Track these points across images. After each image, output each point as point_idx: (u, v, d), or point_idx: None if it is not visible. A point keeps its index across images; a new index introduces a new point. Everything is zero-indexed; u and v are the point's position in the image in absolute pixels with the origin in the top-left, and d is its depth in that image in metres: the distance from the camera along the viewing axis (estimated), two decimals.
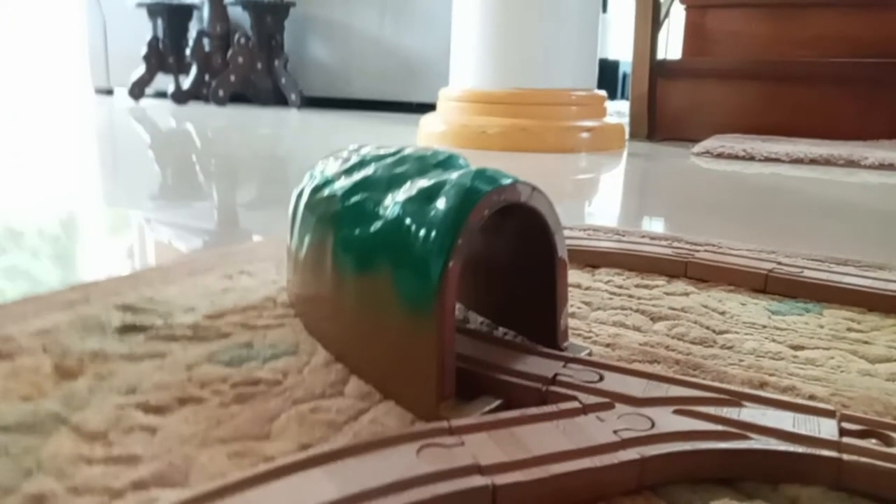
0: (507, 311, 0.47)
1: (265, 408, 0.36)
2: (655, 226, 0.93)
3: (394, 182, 0.42)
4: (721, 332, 0.49)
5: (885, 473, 0.30)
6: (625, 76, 4.08)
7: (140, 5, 3.43)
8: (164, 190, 1.12)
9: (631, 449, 0.31)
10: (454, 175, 0.39)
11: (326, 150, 1.46)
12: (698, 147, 1.73)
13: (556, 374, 0.37)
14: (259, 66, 3.32)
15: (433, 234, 0.36)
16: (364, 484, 0.27)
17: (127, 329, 0.46)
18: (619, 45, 3.85)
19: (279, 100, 3.47)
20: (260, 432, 0.34)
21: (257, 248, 0.68)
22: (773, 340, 0.48)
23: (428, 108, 2.15)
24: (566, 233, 0.67)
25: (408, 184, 0.41)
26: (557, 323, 0.42)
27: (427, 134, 1.85)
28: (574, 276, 0.62)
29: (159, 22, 3.47)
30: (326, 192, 0.46)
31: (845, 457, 0.30)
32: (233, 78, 3.30)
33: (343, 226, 0.42)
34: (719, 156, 1.65)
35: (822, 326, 0.51)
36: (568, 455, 0.30)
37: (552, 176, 1.35)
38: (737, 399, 0.35)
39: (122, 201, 1.02)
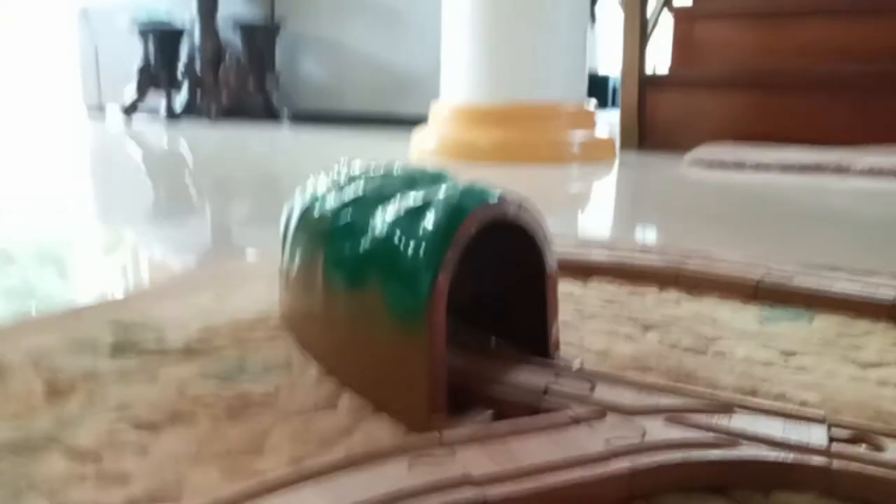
0: (499, 323, 0.47)
1: (257, 423, 0.36)
2: (647, 235, 0.94)
3: (383, 199, 0.42)
4: (713, 340, 0.49)
5: (876, 479, 0.30)
6: (615, 91, 4.10)
7: (132, 24, 3.44)
8: (157, 208, 1.12)
9: (622, 459, 0.31)
10: (442, 191, 0.39)
11: (318, 165, 1.46)
12: (689, 157, 1.74)
13: (547, 385, 0.38)
14: (250, 82, 3.33)
15: (422, 248, 0.36)
16: (356, 497, 0.27)
17: (119, 347, 0.46)
18: (609, 61, 3.87)
19: (271, 116, 3.48)
20: (252, 447, 0.34)
21: (249, 266, 0.68)
22: (765, 347, 0.48)
23: (419, 121, 2.15)
24: (558, 243, 0.67)
25: (397, 201, 0.41)
26: (548, 334, 0.42)
27: (419, 148, 1.86)
28: (566, 286, 0.62)
29: (151, 40, 3.48)
30: (317, 209, 0.46)
31: (835, 463, 0.30)
32: (224, 95, 3.30)
33: (333, 243, 0.42)
34: (710, 165, 1.66)
35: (812, 333, 0.51)
36: (559, 466, 0.30)
37: (544, 188, 1.36)
38: (728, 407, 0.35)
39: (114, 220, 1.02)
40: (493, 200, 0.38)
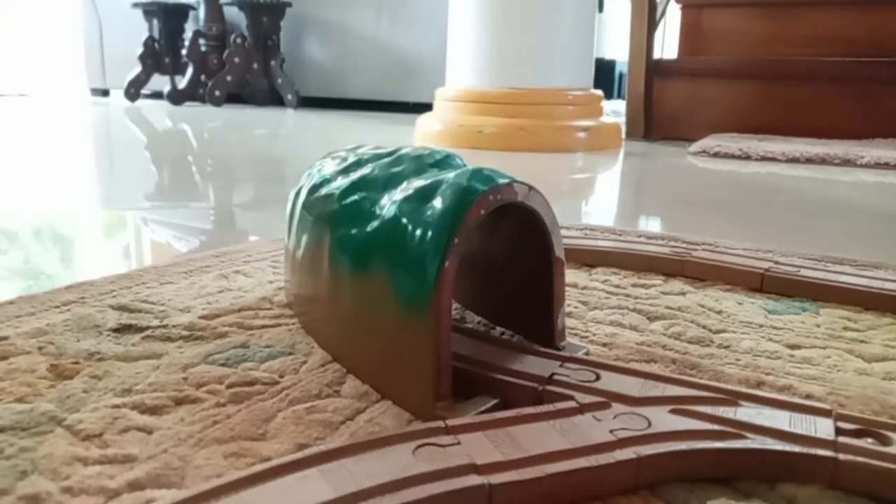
0: (504, 310, 0.47)
1: (261, 408, 0.36)
2: (652, 225, 0.93)
3: (391, 181, 0.42)
4: (718, 332, 0.49)
5: (881, 473, 0.30)
6: (621, 76, 4.08)
7: (136, 6, 3.43)
8: (161, 190, 1.12)
9: (627, 448, 0.31)
10: (451, 174, 0.38)
11: (323, 150, 1.45)
12: (695, 146, 1.73)
13: (552, 374, 0.37)
14: (255, 66, 3.32)
15: (429, 233, 0.36)
16: (360, 484, 0.27)
17: (123, 329, 0.46)
18: (616, 45, 3.85)
19: (275, 100, 3.47)
20: (256, 432, 0.34)
21: (253, 249, 0.68)
22: (770, 339, 0.48)
23: (424, 107, 2.15)
24: (563, 232, 0.67)
25: (404, 183, 0.41)
26: (554, 322, 0.42)
27: (424, 134, 1.85)
28: (571, 275, 0.62)
29: (155, 22, 3.46)
30: (324, 191, 0.46)
31: (841, 456, 0.30)
32: (229, 78, 3.29)
33: (340, 225, 0.42)
34: (716, 155, 1.66)
35: (818, 325, 0.51)
36: (564, 454, 0.30)
37: (549, 175, 1.35)
38: (733, 398, 0.35)
39: (118, 202, 1.02)
40: (503, 182, 0.37)
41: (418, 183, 0.39)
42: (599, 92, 1.91)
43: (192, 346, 0.44)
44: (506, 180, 0.38)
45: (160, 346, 0.44)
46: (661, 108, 2.14)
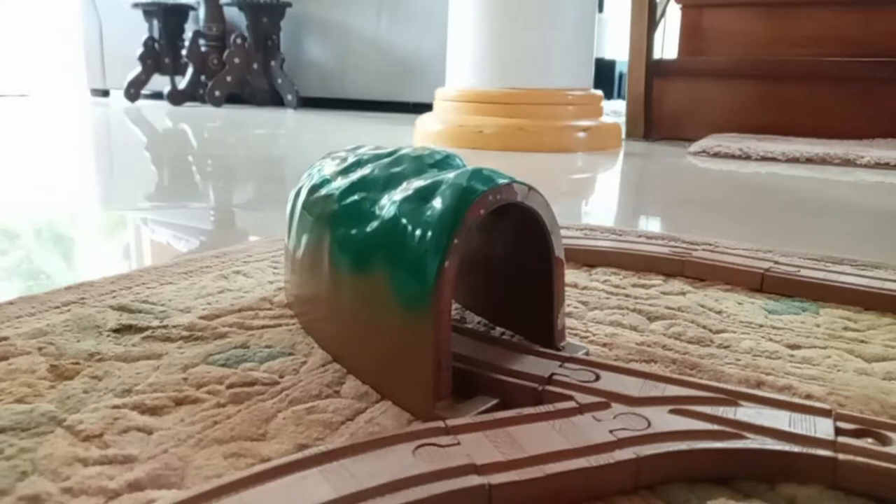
0: (504, 310, 0.47)
1: (261, 408, 0.36)
2: (652, 225, 0.93)
3: (391, 182, 0.42)
4: (718, 332, 0.49)
5: (881, 472, 0.30)
6: (621, 76, 4.08)
7: (136, 6, 3.43)
8: (161, 191, 1.12)
9: (627, 448, 0.31)
10: (450, 175, 0.38)
11: (323, 150, 1.46)
12: (695, 146, 1.73)
13: (552, 374, 0.37)
14: (255, 66, 3.32)
15: (429, 233, 0.36)
16: (360, 484, 0.27)
17: (123, 330, 0.46)
18: (616, 45, 3.85)
19: (275, 100, 3.47)
20: (256, 433, 0.34)
21: (253, 249, 0.68)
22: (770, 339, 0.48)
23: (424, 108, 2.14)
24: (563, 232, 0.67)
25: (404, 183, 0.41)
26: (554, 322, 0.42)
27: (424, 134, 1.85)
28: (571, 275, 0.62)
29: (155, 22, 3.47)
30: (324, 191, 0.46)
31: (841, 456, 0.30)
32: (229, 78, 3.29)
33: (340, 225, 0.42)
34: (716, 155, 1.66)
35: (818, 325, 0.51)
36: (564, 455, 0.30)
37: (549, 175, 1.35)
38: (733, 398, 0.35)
39: (118, 202, 1.02)
40: (503, 183, 0.37)
41: (418, 183, 0.39)
42: (599, 92, 1.91)
43: (192, 347, 0.44)
44: (505, 180, 0.38)
45: (160, 347, 0.44)
46: (661, 108, 2.14)
